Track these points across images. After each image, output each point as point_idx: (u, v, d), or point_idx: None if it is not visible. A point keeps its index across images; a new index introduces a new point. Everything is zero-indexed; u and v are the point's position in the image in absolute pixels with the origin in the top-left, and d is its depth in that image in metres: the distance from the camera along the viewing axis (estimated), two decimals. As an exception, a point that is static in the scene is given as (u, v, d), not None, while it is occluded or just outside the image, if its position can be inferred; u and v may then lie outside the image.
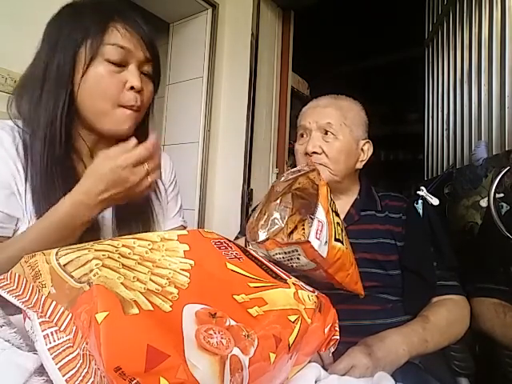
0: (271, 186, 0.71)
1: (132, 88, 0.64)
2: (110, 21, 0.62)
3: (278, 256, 0.61)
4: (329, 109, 0.90)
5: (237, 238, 1.00)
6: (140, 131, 0.70)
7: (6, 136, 0.62)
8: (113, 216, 0.71)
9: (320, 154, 0.88)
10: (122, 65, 0.63)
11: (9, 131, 0.63)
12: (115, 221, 0.71)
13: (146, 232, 0.46)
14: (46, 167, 0.60)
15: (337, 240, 0.61)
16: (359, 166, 0.94)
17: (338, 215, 0.65)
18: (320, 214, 0.59)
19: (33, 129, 0.62)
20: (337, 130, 0.88)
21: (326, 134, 0.88)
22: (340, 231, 0.63)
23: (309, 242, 0.55)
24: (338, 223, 0.63)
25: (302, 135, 0.94)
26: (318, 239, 0.56)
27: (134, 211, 0.72)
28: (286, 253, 0.60)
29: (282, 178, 0.70)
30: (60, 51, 0.61)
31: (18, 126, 0.65)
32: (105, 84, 0.62)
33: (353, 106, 0.94)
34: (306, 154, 0.89)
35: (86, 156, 0.69)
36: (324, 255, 0.57)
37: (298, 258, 0.59)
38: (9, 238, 0.61)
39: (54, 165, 0.61)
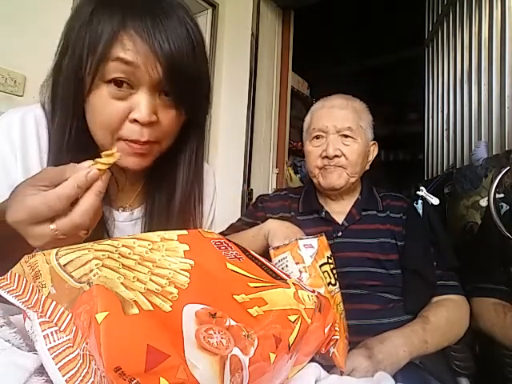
0: None
1: (136, 121, 0.47)
2: (120, 28, 0.45)
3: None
4: (345, 111, 0.89)
5: (231, 224, 1.01)
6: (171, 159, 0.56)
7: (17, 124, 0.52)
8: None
9: (340, 156, 0.88)
10: (130, 86, 0.47)
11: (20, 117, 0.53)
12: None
13: None
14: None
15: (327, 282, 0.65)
16: (367, 167, 0.95)
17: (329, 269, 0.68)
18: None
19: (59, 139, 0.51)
20: (356, 133, 0.88)
21: (345, 136, 0.88)
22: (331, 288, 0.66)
23: (297, 241, 0.65)
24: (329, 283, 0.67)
25: (316, 137, 0.92)
26: (308, 255, 0.64)
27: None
28: (279, 260, 0.65)
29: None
30: (67, 64, 0.47)
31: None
32: (103, 113, 0.47)
33: (363, 107, 0.95)
34: (325, 157, 0.88)
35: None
36: (307, 263, 0.63)
37: (286, 266, 0.65)
38: None
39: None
